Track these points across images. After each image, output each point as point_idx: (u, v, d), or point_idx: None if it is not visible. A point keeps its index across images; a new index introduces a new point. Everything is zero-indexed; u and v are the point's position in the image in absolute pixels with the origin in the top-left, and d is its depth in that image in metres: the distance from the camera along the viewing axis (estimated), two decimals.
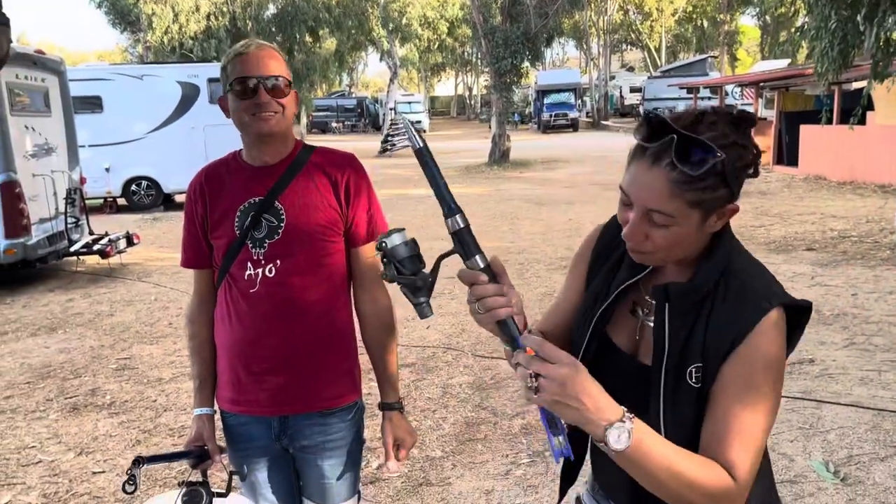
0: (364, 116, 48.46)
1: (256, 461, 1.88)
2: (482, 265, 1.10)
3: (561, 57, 62.22)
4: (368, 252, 1.84)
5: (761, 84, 19.03)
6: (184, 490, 1.73)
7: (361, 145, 32.41)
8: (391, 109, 28.54)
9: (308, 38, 26.65)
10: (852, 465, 3.33)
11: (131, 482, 1.69)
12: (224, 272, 1.80)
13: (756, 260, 1.18)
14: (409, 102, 44.80)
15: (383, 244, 1.15)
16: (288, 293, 1.75)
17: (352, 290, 1.90)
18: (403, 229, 1.19)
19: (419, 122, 44.05)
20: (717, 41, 50.58)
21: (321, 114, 46.75)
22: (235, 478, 1.88)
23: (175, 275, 8.16)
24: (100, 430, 4.10)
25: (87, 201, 9.03)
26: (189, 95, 13.52)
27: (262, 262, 1.75)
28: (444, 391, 4.45)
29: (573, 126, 37.44)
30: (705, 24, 52.91)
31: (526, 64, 21.17)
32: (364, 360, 1.93)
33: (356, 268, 1.87)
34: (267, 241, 1.75)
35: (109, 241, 8.27)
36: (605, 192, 13.87)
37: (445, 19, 32.72)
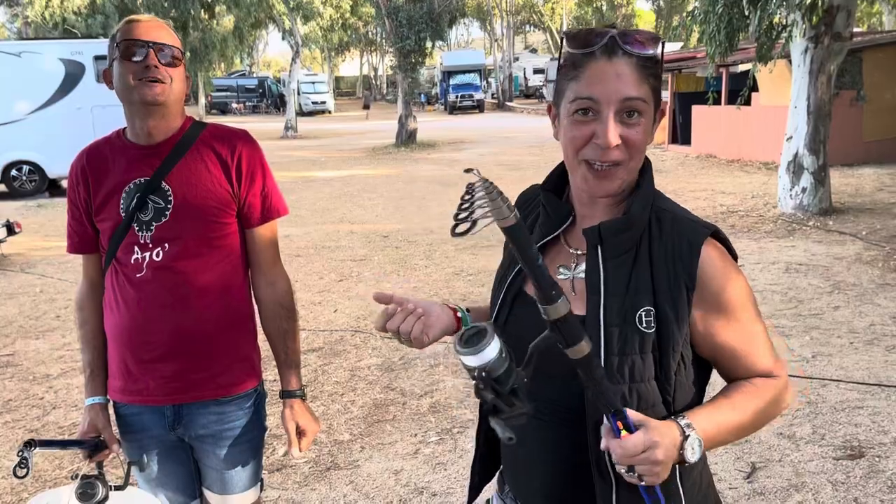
0: (266, 97, 47.10)
1: (152, 452, 1.79)
2: (587, 351, 0.95)
3: (466, 38, 62.45)
4: (265, 233, 1.78)
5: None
6: (78, 483, 1.63)
7: (263, 126, 31.49)
8: (304, 89, 27.81)
9: (204, 15, 25.53)
10: None
11: (23, 465, 1.60)
12: (111, 257, 1.72)
13: (671, 198, 1.19)
14: (314, 83, 43.91)
15: (473, 371, 0.90)
16: (177, 278, 1.68)
17: (249, 273, 1.83)
18: (486, 329, 0.90)
19: (324, 102, 43.25)
20: (616, 24, 52.11)
21: (221, 94, 45.06)
22: (133, 470, 1.79)
23: (63, 264, 7.68)
24: None
25: None
26: (73, 74, 12.69)
27: (150, 245, 1.68)
28: (352, 374, 4.41)
29: (479, 107, 37.73)
30: (604, 7, 54.38)
31: (430, 44, 21.08)
32: (265, 345, 1.87)
33: (251, 250, 1.80)
34: (154, 223, 1.67)
35: None
36: (511, 172, 14.07)
37: None
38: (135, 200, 1.66)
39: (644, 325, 1.07)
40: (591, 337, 1.02)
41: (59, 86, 12.64)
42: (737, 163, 13.76)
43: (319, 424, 1.88)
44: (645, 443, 0.98)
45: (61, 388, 4.37)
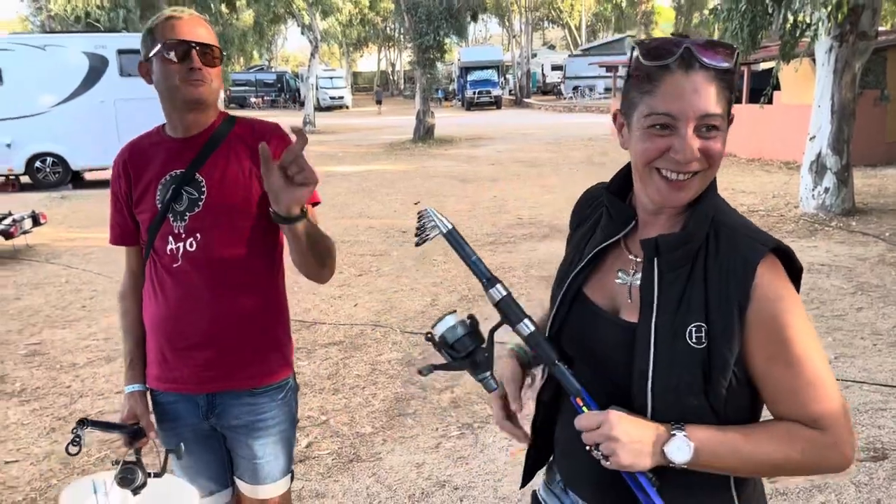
0: (284, 91, 47.24)
1: (186, 440, 1.82)
2: (529, 330, 1.15)
3: (484, 34, 62.32)
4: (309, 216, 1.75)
5: None
6: (119, 469, 1.67)
7: (281, 120, 31.36)
8: (313, 84, 27.90)
9: (224, 9, 25.68)
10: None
11: (76, 443, 1.66)
12: (149, 247, 1.77)
13: (735, 209, 1.15)
14: (331, 78, 44.02)
15: (430, 335, 1.20)
16: (210, 267, 1.72)
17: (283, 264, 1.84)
18: (454, 311, 1.23)
19: (342, 97, 43.37)
20: (636, 21, 51.78)
21: (239, 88, 45.29)
22: (170, 457, 1.82)
23: (87, 255, 7.80)
24: (10, 419, 3.89)
25: None
26: (97, 67, 12.83)
27: (183, 235, 1.71)
28: (373, 368, 4.44)
29: (496, 103, 37.68)
30: (624, 3, 54.02)
31: (449, 40, 21.09)
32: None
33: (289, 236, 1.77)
34: (187, 213, 1.71)
35: (13, 220, 7.79)
36: (529, 169, 14.06)
37: None
38: (170, 192, 1.71)
39: (694, 340, 1.05)
40: (642, 350, 1.07)
41: (83, 79, 12.79)
42: (757, 161, 13.65)
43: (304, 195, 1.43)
44: (597, 418, 1.05)
45: (87, 377, 4.44)
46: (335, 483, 3.14)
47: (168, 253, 1.73)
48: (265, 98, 45.87)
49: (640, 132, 1.08)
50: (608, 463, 1.04)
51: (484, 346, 1.19)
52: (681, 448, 1.02)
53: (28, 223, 8.05)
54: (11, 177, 13.16)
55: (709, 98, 1.03)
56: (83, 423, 1.70)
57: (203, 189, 1.71)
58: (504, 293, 1.15)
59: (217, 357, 1.74)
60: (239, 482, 1.89)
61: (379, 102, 41.71)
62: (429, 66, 20.61)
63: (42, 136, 12.84)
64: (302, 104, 32.81)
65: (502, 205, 10.09)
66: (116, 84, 12.78)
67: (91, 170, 13.81)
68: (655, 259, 1.10)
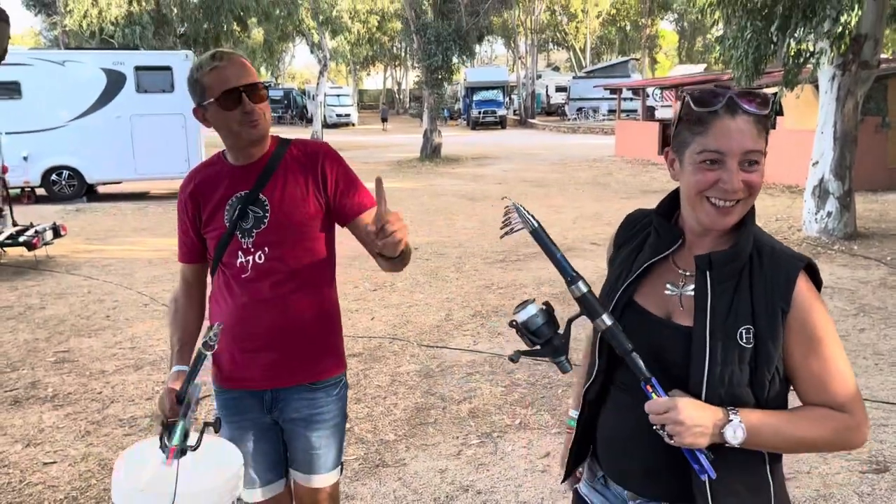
0: (290, 108, 47.67)
1: (247, 433, 2.01)
2: (609, 323, 1.30)
3: (489, 55, 62.94)
4: (366, 219, 1.90)
5: (681, 87, 19.90)
6: (162, 429, 1.71)
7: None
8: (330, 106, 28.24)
9: (236, 28, 26.08)
10: None
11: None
12: (217, 261, 1.95)
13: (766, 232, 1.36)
14: (338, 95, 44.44)
15: (514, 321, 1.33)
16: (276, 277, 1.90)
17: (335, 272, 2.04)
18: (533, 300, 1.34)
19: (348, 114, 43.79)
20: (639, 44, 52.34)
21: None
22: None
23: (106, 267, 7.99)
24: (45, 423, 4.06)
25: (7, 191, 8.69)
26: (114, 83, 13.11)
27: (252, 249, 1.90)
28: (392, 379, 4.61)
29: (501, 123, 38.02)
30: (628, 27, 54.65)
31: (457, 61, 21.42)
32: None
33: (361, 237, 1.93)
34: (254, 230, 1.89)
35: (36, 232, 8.00)
36: (536, 188, 14.28)
37: (376, 13, 32.61)
38: (237, 211, 1.89)
39: (744, 341, 1.25)
40: (698, 349, 1.26)
41: (100, 94, 13.06)
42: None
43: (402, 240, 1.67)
44: (666, 404, 1.22)
45: (118, 384, 4.60)
46: (363, 486, 3.30)
47: (238, 266, 1.91)
48: (272, 115, 46.24)
49: (693, 166, 1.28)
50: (672, 441, 1.22)
51: (560, 332, 1.32)
52: (736, 430, 1.21)
53: (49, 234, 8.25)
54: (27, 189, 13.39)
55: (750, 137, 1.24)
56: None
57: (267, 207, 1.89)
58: (585, 290, 1.30)
59: (281, 357, 1.93)
60: (294, 473, 2.06)
61: (385, 120, 42.13)
62: (437, 86, 20.92)
63: (59, 150, 13.09)
64: (309, 121, 33.15)
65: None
66: (133, 100, 13.06)
67: (106, 183, 14.05)
68: (708, 272, 1.30)
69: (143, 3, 21.01)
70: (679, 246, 1.39)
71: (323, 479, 2.04)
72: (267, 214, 1.89)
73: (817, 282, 1.31)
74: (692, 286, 1.32)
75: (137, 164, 13.26)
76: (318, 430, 2.00)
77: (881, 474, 3.31)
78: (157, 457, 1.75)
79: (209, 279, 2.07)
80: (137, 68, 13.11)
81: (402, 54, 51.35)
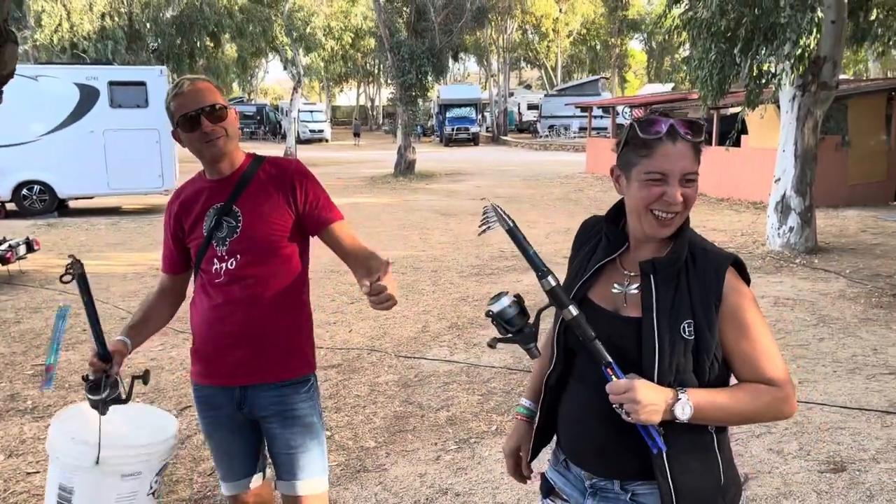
0: (263, 124, 47.61)
1: (222, 428, 2.16)
2: (575, 313, 1.45)
3: (462, 72, 63.54)
4: (338, 231, 2.12)
5: (650, 106, 20.37)
6: (92, 379, 1.89)
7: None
8: (294, 120, 28.28)
9: (209, 43, 26.09)
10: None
11: (68, 274, 1.91)
12: (197, 268, 2.14)
13: (700, 235, 1.56)
14: (312, 111, 44.55)
15: (489, 312, 1.47)
16: (247, 281, 2.06)
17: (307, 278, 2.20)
18: (507, 293, 1.48)
19: (321, 130, 43.85)
20: (609, 63, 53.30)
21: None
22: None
23: None
24: (26, 434, 4.08)
25: None
26: (87, 98, 13.08)
27: (225, 257, 2.07)
28: (371, 389, 4.71)
29: (474, 140, 38.41)
30: (598, 46, 55.63)
31: (431, 78, 21.67)
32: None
33: (336, 248, 2.13)
34: (228, 239, 2.07)
35: (10, 246, 7.95)
36: (509, 204, 14.48)
37: (350, 30, 32.85)
38: (213, 222, 2.07)
39: (686, 333, 1.42)
40: (648, 343, 1.43)
41: (73, 109, 13.02)
42: (726, 201, 14.25)
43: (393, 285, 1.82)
44: (625, 385, 1.37)
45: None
46: (346, 490, 3.40)
47: (213, 272, 2.08)
48: (244, 130, 46.16)
49: (640, 183, 1.48)
50: (629, 418, 1.37)
51: (531, 321, 1.49)
52: (684, 408, 1.38)
53: (23, 249, 8.21)
54: None
55: (689, 160, 1.46)
56: (77, 263, 1.90)
57: (239, 218, 2.06)
58: (554, 283, 1.47)
59: (248, 355, 2.08)
60: (280, 483, 2.14)
61: (357, 135, 42.34)
62: (411, 103, 21.14)
63: (30, 165, 13.01)
64: (282, 136, 33.16)
65: (485, 238, 10.44)
66: (106, 115, 13.05)
67: (77, 198, 13.95)
68: (652, 276, 1.48)
69: (116, 18, 20.95)
70: (625, 249, 1.57)
71: (308, 486, 2.10)
72: (239, 225, 2.06)
73: (745, 276, 1.50)
74: (636, 285, 1.50)
75: (110, 178, 13.21)
76: (293, 427, 2.10)
77: (838, 473, 3.50)
78: (92, 414, 1.90)
79: (190, 289, 2.24)
80: (111, 83, 13.11)
81: (376, 71, 51.64)
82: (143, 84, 13.28)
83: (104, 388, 1.87)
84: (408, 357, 5.32)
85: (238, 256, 2.05)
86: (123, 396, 1.95)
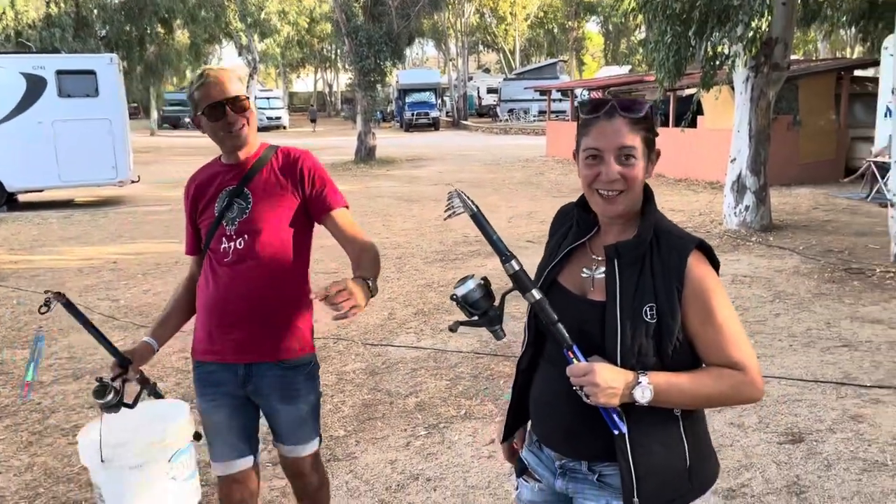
0: None
1: (221, 407, 2.19)
2: (538, 297, 1.46)
3: (421, 57, 63.19)
4: (339, 218, 2.22)
5: (607, 89, 20.55)
6: (98, 384, 2.03)
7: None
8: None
9: (160, 30, 25.43)
10: None
11: (45, 306, 2.06)
12: (206, 248, 2.22)
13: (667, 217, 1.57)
14: (269, 98, 43.77)
15: (455, 296, 1.48)
16: (254, 261, 2.14)
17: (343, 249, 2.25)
18: (472, 276, 1.49)
19: (279, 117, 43.21)
20: (567, 46, 53.53)
21: (173, 108, 44.56)
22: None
23: (34, 277, 7.75)
24: None
25: None
26: (34, 88, 12.65)
27: (234, 236, 2.16)
28: (339, 378, 4.70)
29: (434, 125, 38.27)
30: (555, 29, 55.81)
31: (389, 63, 21.49)
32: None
33: (336, 233, 2.23)
34: (237, 219, 2.16)
35: None
36: (471, 189, 14.49)
37: (305, 15, 32.32)
38: (225, 203, 2.17)
39: (648, 317, 1.43)
40: (611, 326, 1.44)
41: (20, 100, 12.57)
42: (684, 182, 14.49)
43: (365, 304, 1.87)
44: (585, 367, 1.39)
45: (57, 394, 4.53)
46: None
47: (222, 251, 2.16)
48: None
49: (582, 163, 1.51)
50: (589, 400, 1.39)
51: (496, 304, 1.49)
52: (644, 391, 1.39)
53: None
54: None
55: (624, 135, 1.45)
56: (60, 295, 2.06)
57: (249, 200, 2.16)
58: (518, 267, 1.47)
59: (252, 334, 2.14)
60: (279, 445, 2.30)
61: (314, 121, 41.88)
62: (370, 89, 20.95)
63: None
64: None
65: (448, 223, 10.43)
66: (55, 105, 12.65)
67: (27, 191, 13.53)
68: (616, 260, 1.49)
69: (63, 5, 20.24)
70: (595, 233, 1.59)
71: (303, 450, 2.28)
72: (249, 206, 2.15)
73: (713, 259, 1.50)
74: (603, 269, 1.51)
75: (61, 171, 12.82)
76: (295, 406, 2.21)
77: (797, 444, 3.61)
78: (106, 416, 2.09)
79: None
80: (59, 72, 12.69)
81: (333, 56, 51.03)
82: (92, 73, 12.89)
83: (108, 393, 2.01)
84: (375, 345, 5.32)
85: (246, 236, 2.13)
86: (130, 402, 2.08)
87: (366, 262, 2.13)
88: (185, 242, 2.34)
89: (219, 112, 2.08)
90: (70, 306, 2.09)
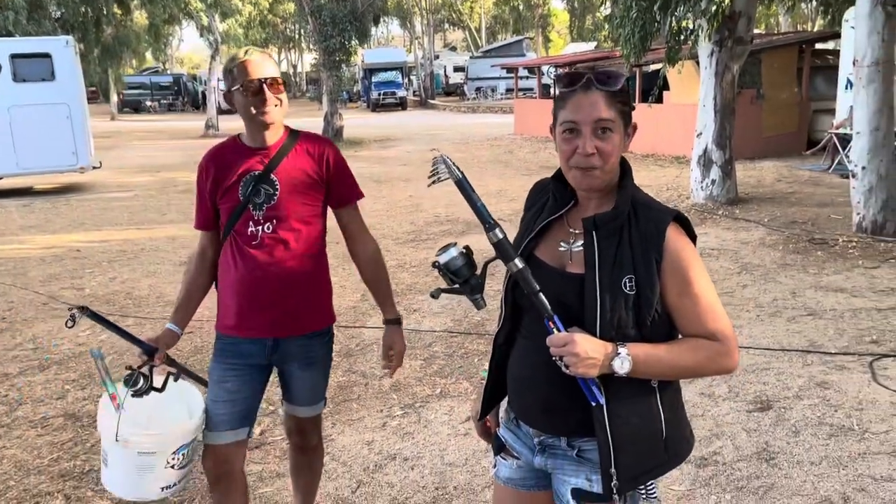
0: (182, 94, 45.77)
1: (239, 374, 2.30)
2: (521, 266, 1.45)
3: (386, 36, 62.51)
4: (352, 211, 2.40)
5: (574, 66, 20.57)
6: (130, 372, 2.16)
7: (182, 125, 30.72)
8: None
9: (117, 10, 24.73)
10: None
11: (71, 320, 2.19)
12: (229, 229, 2.28)
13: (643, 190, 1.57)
14: None
15: (437, 262, 1.47)
16: (281, 245, 2.25)
17: (345, 243, 2.43)
18: (455, 243, 1.47)
19: None
20: (533, 23, 53.35)
21: (133, 91, 43.56)
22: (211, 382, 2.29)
23: None
24: None
25: None
26: None
27: (262, 221, 2.25)
28: None
29: (402, 104, 37.98)
30: (521, 6, 55.55)
31: (354, 42, 21.21)
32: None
33: (343, 224, 2.40)
34: (265, 205, 2.24)
35: None
36: None
37: None
38: (251, 188, 2.22)
39: (627, 288, 1.43)
40: (590, 298, 1.44)
41: None
42: (651, 157, 14.62)
43: (404, 346, 2.48)
44: (565, 338, 1.40)
45: (24, 386, 4.44)
46: None
47: (249, 234, 2.25)
48: (161, 102, 44.27)
49: (559, 137, 1.51)
50: (568, 371, 1.40)
51: (478, 273, 1.49)
52: (623, 362, 1.40)
53: None
54: None
55: (601, 108, 1.45)
56: (84, 309, 2.20)
57: (277, 186, 2.23)
58: (501, 236, 1.47)
59: (283, 312, 2.27)
60: (288, 405, 2.46)
61: None
62: (335, 69, 20.67)
63: None
64: (202, 107, 31.99)
65: (418, 203, 10.43)
66: (10, 90, 12.23)
67: None
68: (594, 232, 1.48)
69: None
70: (572, 207, 1.59)
71: (311, 410, 2.48)
72: (276, 192, 2.23)
73: (690, 231, 1.51)
74: (580, 242, 1.51)
75: (19, 158, 12.44)
76: (312, 370, 2.39)
77: (765, 412, 3.70)
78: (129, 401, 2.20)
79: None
80: (13, 56, 12.26)
81: (297, 36, 50.24)
82: (48, 56, 12.48)
83: (138, 380, 2.15)
84: (348, 327, 5.30)
85: (274, 221, 2.23)
86: (158, 386, 2.22)
87: (384, 290, 2.44)
88: (197, 217, 2.38)
89: (258, 90, 2.14)
90: (95, 316, 2.22)
